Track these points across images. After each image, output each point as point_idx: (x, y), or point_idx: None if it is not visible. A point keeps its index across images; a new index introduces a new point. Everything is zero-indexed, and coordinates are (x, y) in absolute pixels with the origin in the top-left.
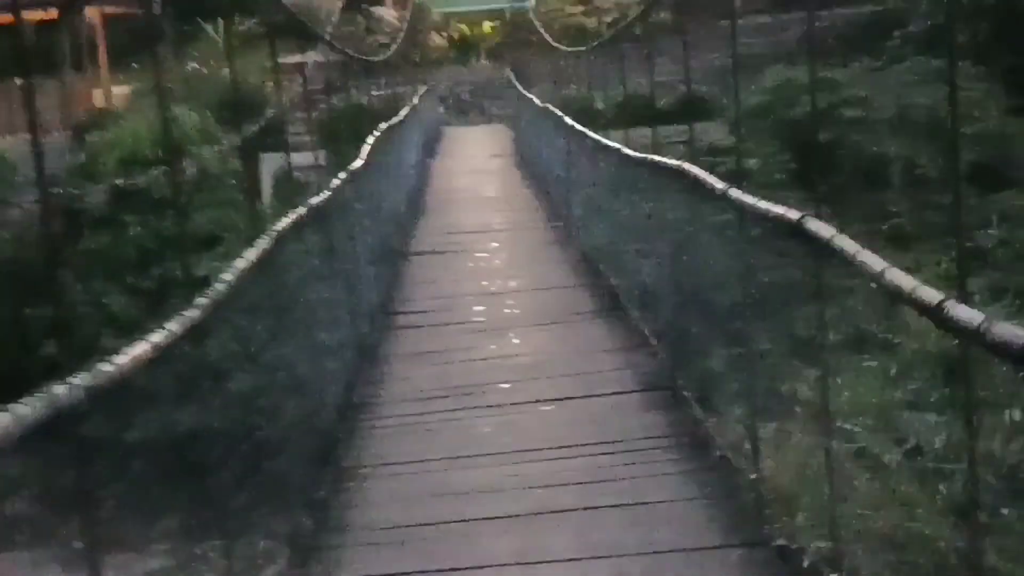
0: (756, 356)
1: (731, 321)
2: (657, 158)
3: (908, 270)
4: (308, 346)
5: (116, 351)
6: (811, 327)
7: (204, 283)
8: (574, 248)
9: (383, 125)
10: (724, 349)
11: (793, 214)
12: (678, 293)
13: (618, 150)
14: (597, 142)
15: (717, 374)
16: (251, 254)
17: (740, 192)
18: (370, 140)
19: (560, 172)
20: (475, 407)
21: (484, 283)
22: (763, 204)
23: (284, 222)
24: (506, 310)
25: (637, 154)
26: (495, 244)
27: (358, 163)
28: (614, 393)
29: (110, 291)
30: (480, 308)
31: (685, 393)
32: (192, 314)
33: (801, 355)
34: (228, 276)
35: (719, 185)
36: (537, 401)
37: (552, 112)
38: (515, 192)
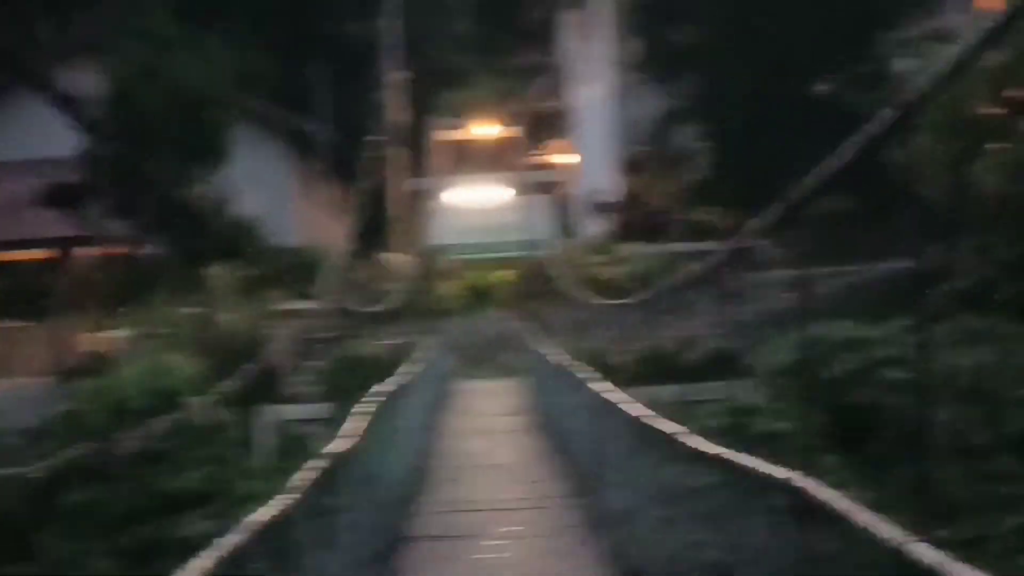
0: None
1: None
2: (750, 462)
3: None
4: None
5: None
6: None
7: (190, 546)
8: (609, 538)
9: (388, 381)
10: None
11: None
12: None
13: (682, 442)
14: (645, 424)
15: None
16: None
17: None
18: (371, 399)
19: (588, 441)
20: None
21: None
22: None
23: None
24: None
25: (713, 448)
26: (511, 529)
27: (355, 426)
28: None
29: (93, 550)
30: None
31: None
32: None
33: None
34: None
35: (885, 534)
36: None
37: (575, 370)
38: (532, 459)
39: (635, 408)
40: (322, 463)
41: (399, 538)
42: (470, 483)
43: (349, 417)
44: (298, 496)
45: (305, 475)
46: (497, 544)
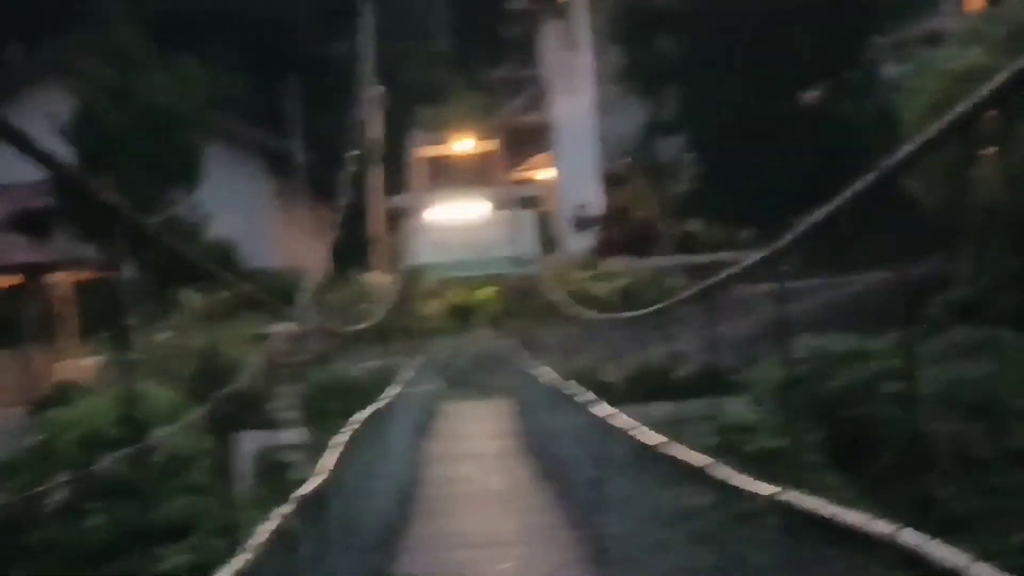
0: None
1: None
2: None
3: None
4: None
5: None
6: None
7: None
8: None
9: (370, 404)
10: None
11: None
12: None
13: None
14: (644, 445)
15: None
16: None
17: None
18: (353, 425)
19: (586, 468)
20: None
21: None
22: None
23: None
24: None
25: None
26: (507, 565)
27: (337, 454)
28: None
29: None
30: None
31: None
32: None
33: None
34: None
35: None
36: None
37: (564, 389)
38: (526, 487)
39: (634, 429)
40: (299, 497)
41: None
42: (460, 514)
43: (330, 444)
44: (275, 535)
45: (283, 510)
46: None
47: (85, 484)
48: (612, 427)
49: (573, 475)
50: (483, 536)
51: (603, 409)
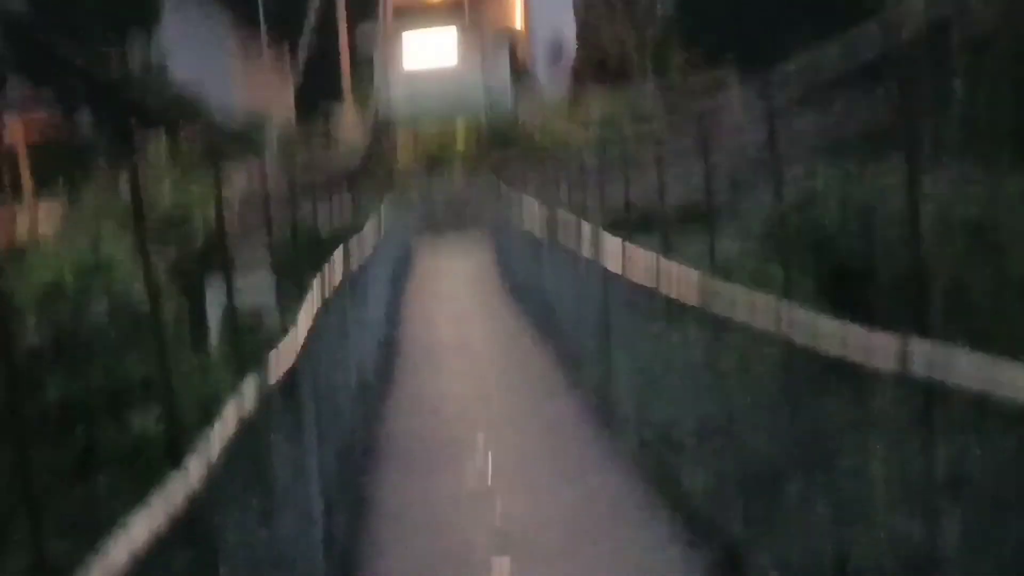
0: None
1: None
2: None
3: None
4: None
5: None
6: None
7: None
8: (623, 435)
9: (341, 250)
10: None
11: None
12: None
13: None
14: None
15: None
16: None
17: None
18: (329, 270)
19: (584, 312)
20: None
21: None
22: None
23: None
24: None
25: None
26: (501, 439)
27: (311, 304)
28: None
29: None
30: None
31: None
32: None
33: None
34: None
35: None
36: None
37: (543, 229)
38: (510, 336)
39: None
40: (276, 351)
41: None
42: (443, 373)
43: (307, 291)
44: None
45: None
46: (483, 467)
47: (43, 339)
48: (590, 261)
49: (575, 330)
50: (469, 397)
51: (581, 245)
